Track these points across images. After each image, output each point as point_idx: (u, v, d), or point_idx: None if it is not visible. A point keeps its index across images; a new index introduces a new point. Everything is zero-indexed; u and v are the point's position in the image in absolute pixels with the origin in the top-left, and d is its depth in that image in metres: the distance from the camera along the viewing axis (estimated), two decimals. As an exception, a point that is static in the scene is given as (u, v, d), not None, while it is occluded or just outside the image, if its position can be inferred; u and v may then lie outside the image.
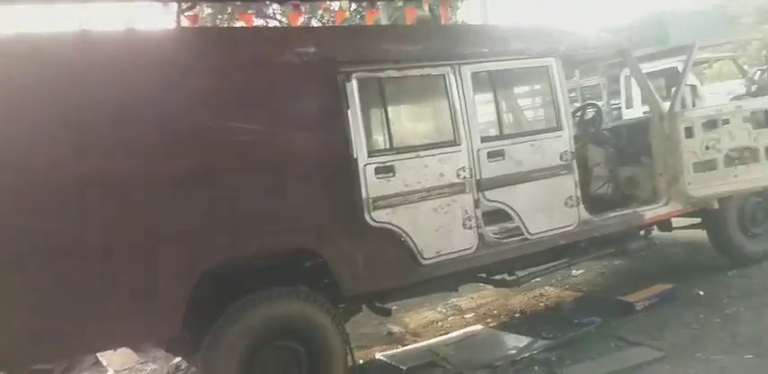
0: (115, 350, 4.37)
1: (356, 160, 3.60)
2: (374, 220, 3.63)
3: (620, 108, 10.35)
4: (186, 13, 4.65)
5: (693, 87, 8.40)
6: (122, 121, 3.10)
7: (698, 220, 5.47)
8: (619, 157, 5.48)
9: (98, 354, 4.95)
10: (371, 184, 3.63)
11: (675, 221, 5.49)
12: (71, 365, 4.99)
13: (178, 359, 4.36)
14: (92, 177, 3.00)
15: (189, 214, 3.21)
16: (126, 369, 4.84)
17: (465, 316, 5.25)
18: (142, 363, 4.93)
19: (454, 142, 3.97)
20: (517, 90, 5.56)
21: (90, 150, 3.02)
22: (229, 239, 3.28)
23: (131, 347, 4.21)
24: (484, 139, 4.09)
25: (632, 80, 8.28)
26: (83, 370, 4.97)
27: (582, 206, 4.43)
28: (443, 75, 3.99)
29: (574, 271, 5.97)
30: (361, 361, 4.27)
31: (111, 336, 3.12)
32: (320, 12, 8.74)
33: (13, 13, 4.19)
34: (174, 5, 4.52)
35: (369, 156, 3.64)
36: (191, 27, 4.48)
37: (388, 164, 3.70)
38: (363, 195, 3.59)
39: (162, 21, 4.72)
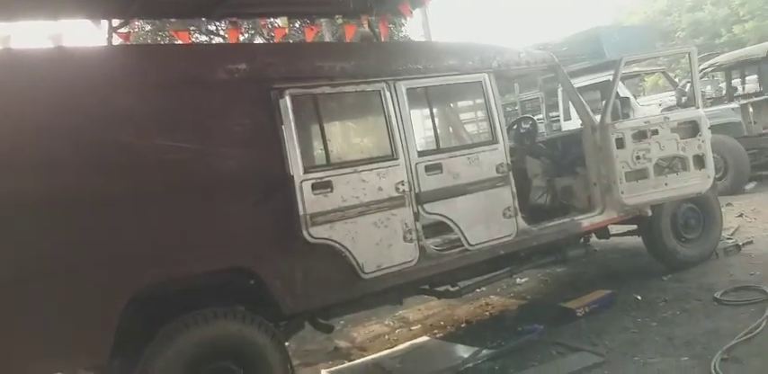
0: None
1: (292, 176, 3.59)
2: (312, 236, 3.62)
3: (558, 120, 10.67)
4: (118, 31, 4.58)
5: (626, 99, 8.72)
6: (47, 139, 3.02)
7: (634, 227, 5.66)
8: (555, 168, 5.64)
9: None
10: (308, 200, 3.62)
11: (613, 228, 5.66)
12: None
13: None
14: (12, 197, 2.90)
15: (116, 236, 3.12)
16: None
17: (412, 327, 5.27)
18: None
19: (392, 156, 4.01)
20: (453, 105, 5.68)
21: (12, 169, 2.92)
22: (159, 261, 3.20)
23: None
24: (421, 153, 4.14)
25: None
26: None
27: (520, 216, 4.53)
28: (379, 90, 4.04)
29: (518, 280, 6.06)
30: (305, 379, 4.23)
31: (37, 363, 2.99)
32: (261, 29, 8.75)
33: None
34: (106, 23, 4.46)
35: (305, 173, 3.65)
36: (120, 44, 4.41)
37: (326, 179, 3.71)
38: (301, 212, 3.59)
39: (93, 38, 4.64)
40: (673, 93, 10.58)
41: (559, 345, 4.24)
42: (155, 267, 3.19)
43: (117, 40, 4.57)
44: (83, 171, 3.09)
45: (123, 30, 4.80)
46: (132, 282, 3.12)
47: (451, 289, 4.62)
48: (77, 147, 3.09)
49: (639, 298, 4.97)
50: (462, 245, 4.26)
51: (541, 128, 8.92)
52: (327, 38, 9.98)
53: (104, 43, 4.33)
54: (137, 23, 5.82)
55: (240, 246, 3.46)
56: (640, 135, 5.09)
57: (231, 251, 3.43)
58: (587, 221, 4.98)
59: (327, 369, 4.48)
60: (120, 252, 3.12)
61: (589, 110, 5.18)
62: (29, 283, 2.90)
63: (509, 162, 4.52)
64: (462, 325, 5.12)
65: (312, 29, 6.73)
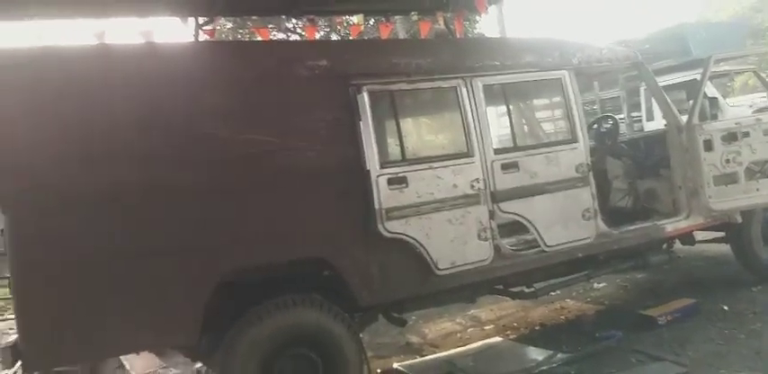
0: (137, 354, 4.44)
1: (369, 171, 3.62)
2: (388, 231, 3.64)
3: (641, 120, 10.25)
4: (204, 28, 4.75)
5: (714, 100, 8.27)
6: (142, 133, 3.19)
7: (721, 234, 5.37)
8: (637, 170, 5.42)
9: (122, 358, 5.05)
10: (384, 195, 3.64)
11: (699, 235, 5.39)
12: (95, 368, 5.07)
13: (199, 364, 4.38)
14: (114, 186, 3.10)
15: (207, 224, 3.27)
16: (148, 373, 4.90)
17: (484, 327, 5.20)
18: (164, 368, 4.98)
19: (467, 154, 3.98)
20: (531, 102, 5.55)
21: (111, 161, 3.11)
22: (243, 249, 3.32)
23: (151, 351, 4.27)
24: (497, 151, 4.08)
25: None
26: (106, 373, 5.04)
27: (599, 218, 4.38)
28: (455, 87, 4.01)
29: (595, 285, 5.89)
30: (378, 371, 4.24)
31: (132, 340, 3.19)
32: (337, 26, 8.87)
33: (39, 27, 4.34)
34: (193, 20, 4.63)
35: (381, 168, 3.67)
36: (206, 41, 4.57)
37: (401, 175, 3.72)
38: (376, 206, 3.61)
39: (180, 35, 4.82)
40: (764, 93, 9.98)
41: (639, 353, 4.09)
42: (241, 254, 3.31)
43: (203, 37, 4.74)
44: (175, 163, 3.24)
45: (209, 27, 4.97)
46: (221, 267, 3.26)
47: (526, 290, 4.53)
48: (170, 141, 3.24)
49: (726, 308, 4.74)
50: (539, 246, 4.17)
51: (622, 128, 8.60)
52: (402, 35, 10.00)
53: (191, 40, 4.49)
54: (219, 21, 6.01)
55: (319, 238, 3.52)
56: (730, 137, 4.84)
57: (311, 242, 3.50)
58: (671, 226, 4.76)
59: (400, 363, 4.48)
60: (210, 239, 3.27)
61: (675, 109, 4.96)
62: (129, 265, 3.09)
63: (589, 162, 4.38)
64: (536, 328, 5.02)
65: (387, 26, 6.75)
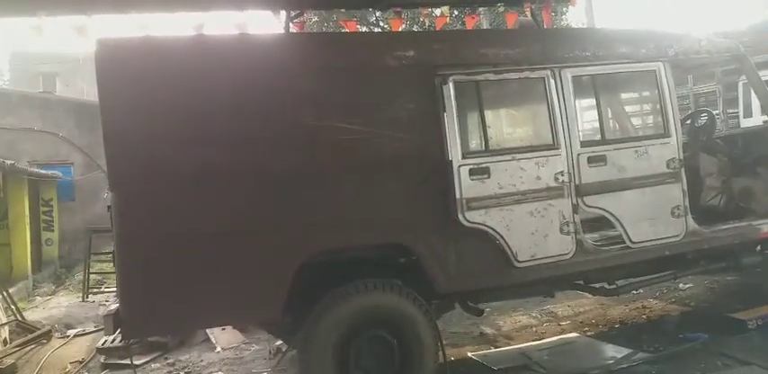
0: (223, 329, 4.67)
1: (451, 161, 3.66)
2: (468, 220, 3.67)
3: (737, 116, 9.70)
4: (294, 20, 4.89)
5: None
6: (236, 119, 3.37)
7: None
8: (733, 167, 5.15)
9: (208, 332, 5.36)
10: (465, 185, 3.67)
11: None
12: (183, 340, 5.42)
13: (280, 341, 4.59)
14: (212, 169, 3.30)
15: (294, 207, 3.42)
16: (232, 348, 5.20)
17: (561, 322, 5.14)
18: (247, 343, 5.25)
19: (553, 146, 3.93)
20: (622, 95, 5.38)
21: (209, 145, 3.32)
22: (328, 232, 3.45)
23: (236, 327, 4.51)
24: (584, 144, 4.01)
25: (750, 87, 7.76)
26: (193, 346, 5.38)
27: (690, 216, 4.22)
28: (543, 78, 3.96)
29: (681, 285, 5.67)
30: (452, 358, 4.28)
31: (220, 314, 3.40)
32: (421, 18, 8.88)
33: (141, 19, 4.61)
34: (284, 13, 4.78)
35: (463, 158, 3.70)
36: (299, 32, 4.71)
37: (483, 165, 3.72)
38: (457, 195, 3.64)
39: (272, 27, 4.99)
40: None
41: (726, 357, 3.94)
42: (325, 237, 3.44)
43: (293, 29, 4.88)
44: (270, 148, 3.41)
45: (299, 19, 5.11)
46: (306, 249, 3.40)
47: (608, 286, 4.43)
48: (265, 127, 3.41)
49: (824, 315, 4.44)
50: (623, 242, 4.06)
51: (718, 124, 8.16)
52: (486, 26, 9.88)
53: (282, 31, 4.65)
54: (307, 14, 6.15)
55: (401, 224, 3.60)
56: None
57: (393, 228, 3.58)
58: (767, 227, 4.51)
59: (474, 352, 4.51)
60: (298, 221, 3.41)
61: (778, 103, 4.67)
62: (222, 243, 3.28)
63: (681, 157, 4.23)
64: (616, 326, 4.90)
65: (473, 17, 6.70)
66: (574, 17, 12.81)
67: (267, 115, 3.43)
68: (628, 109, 5.61)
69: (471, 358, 4.40)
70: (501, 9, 7.28)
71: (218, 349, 5.24)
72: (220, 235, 3.28)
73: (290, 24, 4.95)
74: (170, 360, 5.08)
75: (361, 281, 3.50)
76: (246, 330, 5.31)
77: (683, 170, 4.22)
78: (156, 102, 3.27)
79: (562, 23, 11.79)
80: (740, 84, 9.47)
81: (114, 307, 3.56)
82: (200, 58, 3.41)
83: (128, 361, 4.55)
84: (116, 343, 5.09)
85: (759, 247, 4.83)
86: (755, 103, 8.62)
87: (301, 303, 3.45)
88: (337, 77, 3.57)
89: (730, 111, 9.87)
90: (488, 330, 5.09)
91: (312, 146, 3.48)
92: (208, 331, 5.40)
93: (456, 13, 9.16)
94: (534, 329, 5.04)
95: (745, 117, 9.52)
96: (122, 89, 3.25)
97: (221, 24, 5.41)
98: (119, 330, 3.35)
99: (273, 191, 3.40)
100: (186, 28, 4.90)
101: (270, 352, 4.82)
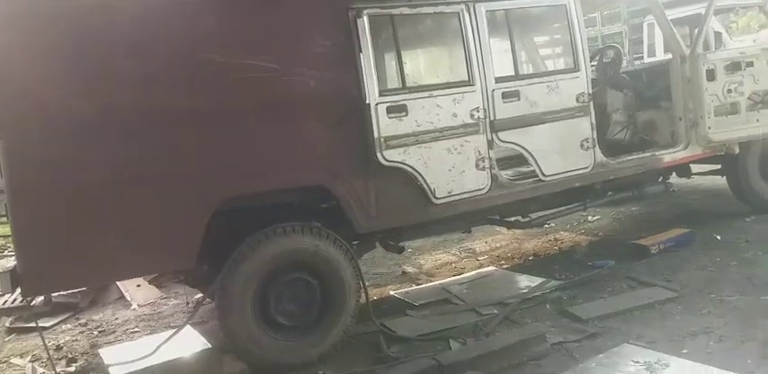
0: (138, 285, 4.49)
1: (367, 98, 3.56)
2: (386, 159, 3.63)
3: (642, 56, 10.08)
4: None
5: (718, 34, 8.09)
6: (139, 57, 3.10)
7: (718, 166, 5.39)
8: (638, 101, 5.37)
9: (122, 289, 5.15)
10: (383, 124, 3.61)
11: (695, 168, 5.42)
12: (95, 299, 5.19)
13: (200, 294, 4.48)
14: (110, 112, 3.04)
15: (203, 150, 3.23)
16: (148, 304, 5.03)
17: (479, 258, 5.30)
18: (164, 298, 5.11)
19: (468, 82, 3.91)
20: (533, 30, 5.41)
21: (107, 86, 3.05)
22: (242, 175, 3.31)
23: (150, 282, 4.35)
24: (498, 80, 4.01)
25: (655, 28, 8.03)
26: (107, 304, 5.17)
27: (598, 148, 4.37)
28: (457, 13, 3.89)
29: (589, 217, 5.96)
30: (375, 298, 4.34)
31: (129, 265, 3.22)
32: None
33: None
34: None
35: (380, 95, 3.61)
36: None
37: (401, 103, 3.66)
38: (375, 134, 3.58)
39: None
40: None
41: (631, 280, 4.19)
42: (239, 180, 3.30)
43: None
44: (173, 88, 3.18)
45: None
46: (218, 194, 3.25)
47: (522, 220, 4.59)
48: (167, 65, 3.16)
49: (719, 238, 4.81)
50: (536, 176, 4.18)
51: (624, 62, 8.43)
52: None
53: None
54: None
55: (318, 166, 3.50)
56: (734, 67, 4.78)
57: (310, 169, 3.49)
58: (669, 157, 4.78)
59: (396, 291, 4.59)
60: (207, 165, 3.24)
61: (679, 38, 4.85)
62: (125, 191, 3.08)
63: (590, 92, 4.32)
64: (530, 258, 5.11)
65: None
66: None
67: (169, 52, 3.17)
68: (540, 44, 5.67)
69: (394, 296, 4.48)
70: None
71: (134, 306, 5.05)
72: (124, 181, 3.06)
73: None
74: (82, 321, 4.82)
75: (279, 225, 3.40)
76: (163, 285, 5.14)
77: (591, 104, 4.32)
78: (47, 42, 2.94)
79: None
80: (645, 26, 9.77)
81: (12, 263, 3.33)
82: None
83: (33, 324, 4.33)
84: (17, 303, 4.82)
85: (661, 177, 5.12)
86: (659, 44, 8.97)
87: (218, 250, 3.32)
88: (246, 12, 3.34)
89: (636, 55, 10.23)
90: (410, 269, 5.18)
91: (220, 85, 3.26)
92: (122, 288, 5.19)
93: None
94: (454, 265, 5.18)
95: (649, 56, 9.89)
96: (10, 32, 2.89)
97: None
98: (18, 288, 3.14)
99: (178, 134, 3.18)
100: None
101: (187, 304, 4.71)
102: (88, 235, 3.05)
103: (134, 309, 4.97)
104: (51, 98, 2.96)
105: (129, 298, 5.18)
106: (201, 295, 4.44)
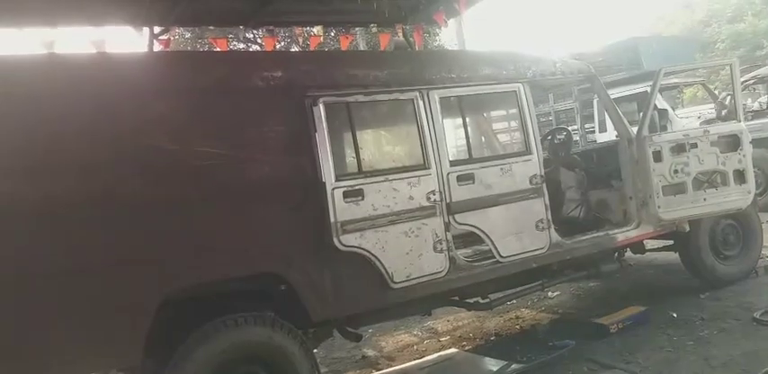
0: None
1: (324, 184, 3.60)
2: (343, 244, 3.62)
3: (594, 132, 10.52)
4: (159, 38, 4.67)
5: (664, 111, 8.55)
6: (87, 144, 3.08)
7: (670, 243, 5.51)
8: (590, 181, 5.53)
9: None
10: (340, 208, 3.62)
11: (649, 243, 5.54)
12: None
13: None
14: (52, 198, 2.97)
15: (149, 239, 3.16)
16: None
17: (441, 339, 5.21)
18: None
19: (424, 166, 3.99)
20: (486, 114, 5.63)
21: (52, 172, 2.99)
22: (191, 265, 3.23)
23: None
24: (453, 163, 4.11)
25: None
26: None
27: (553, 229, 4.45)
28: (412, 99, 4.03)
29: (549, 294, 5.97)
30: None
31: (70, 364, 3.03)
32: (296, 37, 8.89)
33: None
34: (147, 30, 4.55)
35: (336, 180, 3.65)
36: (159, 51, 4.49)
37: (357, 187, 3.70)
38: (332, 219, 3.59)
39: (134, 45, 4.73)
40: (712, 105, 10.35)
41: (591, 362, 4.15)
42: (187, 270, 3.22)
43: (158, 47, 4.66)
44: (121, 175, 3.15)
45: (164, 36, 4.89)
46: (164, 285, 3.15)
47: (482, 301, 4.56)
48: (116, 152, 3.14)
49: (675, 315, 4.84)
50: (494, 257, 4.21)
51: (576, 139, 8.79)
52: (362, 46, 10.04)
53: (145, 50, 4.41)
54: (177, 31, 5.91)
55: (272, 252, 3.47)
56: (679, 148, 4.97)
57: (263, 257, 3.45)
58: (622, 235, 4.87)
59: (354, 378, 4.46)
60: (153, 254, 3.16)
61: (626, 121, 5.08)
62: (65, 282, 2.95)
63: (542, 173, 4.45)
64: (492, 338, 5.05)
65: (347, 37, 6.77)
66: (447, 38, 13.34)
67: (119, 140, 3.15)
68: (493, 128, 5.87)
69: (352, 384, 4.35)
70: (374, 30, 7.42)
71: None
72: (64, 272, 2.93)
73: (155, 42, 4.73)
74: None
75: (230, 316, 3.30)
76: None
77: (544, 185, 4.44)
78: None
79: (436, 44, 12.24)
80: (595, 102, 10.28)
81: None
82: (49, 78, 3.08)
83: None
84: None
85: (616, 254, 5.20)
86: (609, 119, 9.41)
87: (168, 343, 3.19)
88: (199, 98, 3.39)
89: (587, 126, 10.68)
90: (370, 352, 5.05)
91: (170, 172, 3.25)
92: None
93: (333, 32, 9.22)
94: (415, 347, 5.07)
95: (600, 132, 10.34)
96: None
97: (76, 41, 5.04)
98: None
99: (125, 222, 3.11)
100: (35, 46, 4.51)
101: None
102: (25, 331, 2.88)
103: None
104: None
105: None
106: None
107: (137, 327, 3.06)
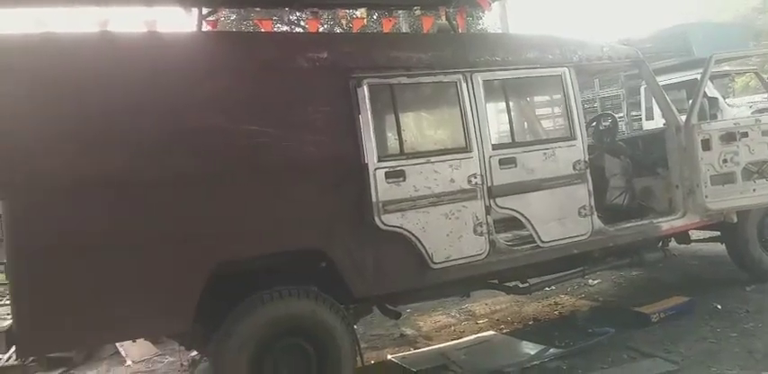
0: (133, 341, 4.48)
1: (366, 164, 3.64)
2: (384, 224, 3.66)
3: (640, 119, 10.28)
4: (207, 18, 4.73)
5: (714, 100, 8.30)
6: (140, 121, 3.20)
7: (717, 234, 5.39)
8: (635, 168, 5.44)
9: (117, 345, 5.10)
10: (381, 188, 3.66)
11: (694, 234, 5.43)
12: (90, 354, 5.12)
13: (195, 352, 4.42)
14: (110, 174, 3.12)
15: (201, 214, 3.28)
16: (143, 361, 4.96)
17: (478, 321, 5.23)
18: (160, 355, 5.04)
19: (465, 149, 3.99)
20: (530, 99, 5.56)
21: (108, 148, 3.13)
22: (239, 239, 3.34)
23: (147, 339, 4.29)
24: (495, 147, 4.10)
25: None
26: (102, 360, 5.11)
27: (595, 215, 4.40)
28: (455, 82, 4.02)
29: (590, 281, 5.91)
30: (372, 362, 4.27)
31: (126, 327, 3.20)
32: (339, 19, 8.89)
33: (39, 14, 4.30)
34: (196, 11, 4.61)
35: (379, 161, 3.69)
36: (208, 31, 4.56)
37: (399, 168, 3.73)
38: (373, 199, 3.63)
39: (183, 25, 4.80)
40: (765, 94, 9.99)
41: (631, 350, 4.12)
42: (236, 244, 3.33)
43: (205, 28, 4.72)
44: (173, 152, 3.26)
45: (211, 18, 4.95)
46: (216, 257, 3.27)
47: (521, 285, 4.56)
48: (169, 130, 3.26)
49: (719, 307, 4.76)
50: (534, 242, 4.19)
51: (622, 126, 8.61)
52: (405, 29, 9.99)
53: (194, 30, 4.48)
54: (224, 12, 5.96)
55: (316, 229, 3.54)
56: (729, 137, 4.85)
57: (307, 233, 3.52)
58: (667, 224, 4.79)
59: (394, 355, 4.52)
60: (205, 228, 3.28)
61: (674, 109, 4.96)
62: (124, 252, 3.11)
63: (587, 159, 4.40)
64: (530, 323, 5.05)
65: (390, 20, 6.72)
66: (490, 22, 13.18)
67: (172, 118, 3.27)
68: (537, 112, 5.81)
69: (391, 360, 4.40)
70: (418, 12, 7.36)
71: (129, 362, 4.98)
72: (123, 242, 3.09)
73: (203, 22, 4.79)
74: (76, 376, 4.78)
75: (275, 289, 3.40)
76: (159, 341, 5.09)
77: (588, 171, 4.39)
78: (51, 104, 3.05)
79: (478, 28, 12.10)
80: (642, 89, 10.02)
81: (8, 323, 3.31)
82: (102, 57, 3.20)
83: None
84: (11, 362, 4.75)
85: (660, 243, 5.12)
86: (656, 107, 9.19)
87: (214, 312, 3.31)
88: (248, 79, 3.47)
89: (633, 113, 10.44)
90: (409, 331, 5.11)
91: (220, 150, 3.35)
92: (117, 344, 5.13)
93: (375, 15, 9.20)
94: (453, 328, 5.11)
95: (647, 119, 10.09)
96: (14, 90, 3.00)
97: (129, 21, 5.15)
98: (13, 347, 3.12)
99: (176, 198, 3.24)
100: (89, 25, 4.62)
101: (182, 365, 4.63)
102: (87, 295, 3.06)
103: (128, 366, 4.91)
104: (52, 158, 3.03)
105: (123, 354, 5.11)
106: (197, 354, 4.39)
107: (188, 296, 3.19)
